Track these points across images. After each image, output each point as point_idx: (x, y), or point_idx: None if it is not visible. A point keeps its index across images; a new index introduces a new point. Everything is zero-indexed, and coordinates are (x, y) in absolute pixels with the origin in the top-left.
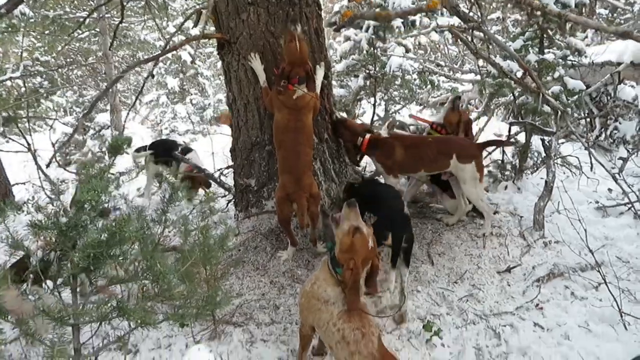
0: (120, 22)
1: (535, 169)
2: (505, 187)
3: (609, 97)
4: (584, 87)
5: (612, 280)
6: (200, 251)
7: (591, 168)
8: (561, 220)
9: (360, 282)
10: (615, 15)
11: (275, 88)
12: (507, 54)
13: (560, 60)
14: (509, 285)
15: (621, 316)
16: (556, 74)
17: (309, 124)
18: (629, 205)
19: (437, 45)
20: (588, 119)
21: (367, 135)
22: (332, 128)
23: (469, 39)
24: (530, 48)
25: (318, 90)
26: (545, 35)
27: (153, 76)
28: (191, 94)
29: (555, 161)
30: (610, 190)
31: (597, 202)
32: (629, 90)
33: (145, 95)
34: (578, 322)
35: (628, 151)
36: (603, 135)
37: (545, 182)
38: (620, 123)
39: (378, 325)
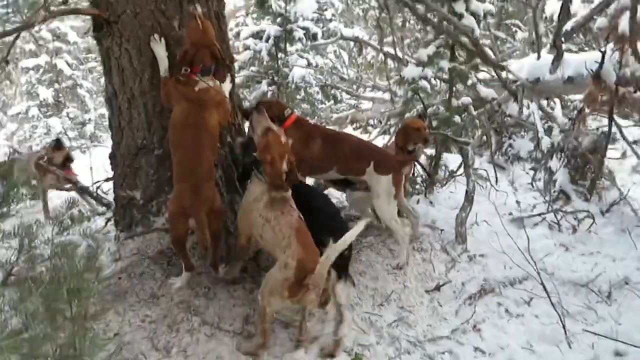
0: None
1: (445, 182)
2: (417, 201)
3: (502, 116)
4: (496, 96)
5: (542, 294)
6: (59, 280)
7: (496, 181)
8: (481, 233)
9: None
10: (498, 44)
11: (174, 76)
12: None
13: (471, 69)
14: (440, 305)
15: (565, 334)
16: (469, 82)
17: (213, 123)
18: (543, 217)
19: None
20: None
21: (295, 113)
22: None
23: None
24: (442, 55)
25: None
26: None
27: (7, 62)
28: (68, 107)
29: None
30: (518, 202)
31: (510, 213)
32: (515, 106)
33: (12, 107)
34: (520, 342)
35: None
36: (498, 153)
37: (466, 192)
38: (514, 140)
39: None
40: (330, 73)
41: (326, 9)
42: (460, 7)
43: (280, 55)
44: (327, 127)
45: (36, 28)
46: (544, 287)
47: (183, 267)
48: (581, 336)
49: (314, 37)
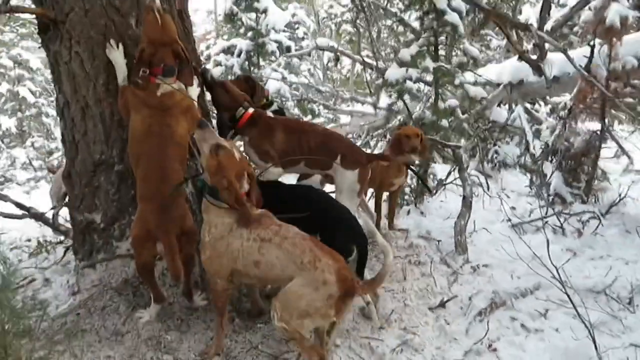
0: None
1: (435, 191)
2: (408, 212)
3: (486, 121)
4: (486, 95)
5: (558, 304)
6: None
7: (487, 188)
8: (481, 241)
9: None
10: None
11: (132, 79)
12: None
13: (457, 69)
14: (448, 324)
15: (596, 348)
16: (457, 81)
17: (180, 131)
18: (545, 220)
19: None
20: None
21: (251, 109)
22: (207, 89)
23: None
24: (425, 54)
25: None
26: (438, 43)
27: None
28: (33, 136)
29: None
30: (514, 208)
31: (509, 220)
32: (501, 112)
33: None
34: None
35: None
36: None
37: (463, 197)
38: (499, 147)
39: None
40: (306, 87)
41: (297, 27)
42: (441, 4)
43: (253, 69)
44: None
45: None
46: (568, 295)
47: (152, 298)
48: (613, 351)
49: (288, 49)
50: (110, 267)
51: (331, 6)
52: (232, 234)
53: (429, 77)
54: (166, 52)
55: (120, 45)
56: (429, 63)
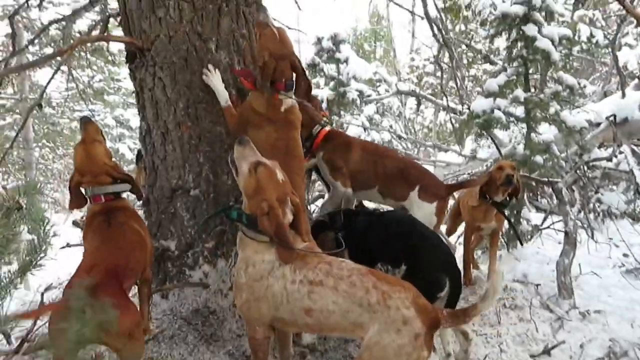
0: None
1: (530, 237)
2: (500, 257)
3: (586, 166)
4: (586, 125)
5: None
6: None
7: (592, 235)
8: (590, 285)
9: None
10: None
11: (240, 101)
12: None
13: (552, 97)
14: None
15: None
16: (551, 110)
17: (301, 146)
18: None
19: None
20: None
21: (327, 128)
22: None
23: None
24: (514, 85)
25: None
26: (530, 71)
27: (41, 107)
28: None
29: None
30: (626, 255)
31: (622, 265)
32: (606, 154)
33: None
34: None
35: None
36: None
37: (565, 233)
38: (602, 194)
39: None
40: (388, 132)
41: (379, 85)
42: (531, 30)
43: (334, 117)
44: None
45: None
46: None
47: None
48: None
49: (368, 98)
50: (182, 296)
51: (412, 59)
52: (272, 274)
53: (520, 111)
54: (285, 65)
55: (217, 71)
56: (519, 93)
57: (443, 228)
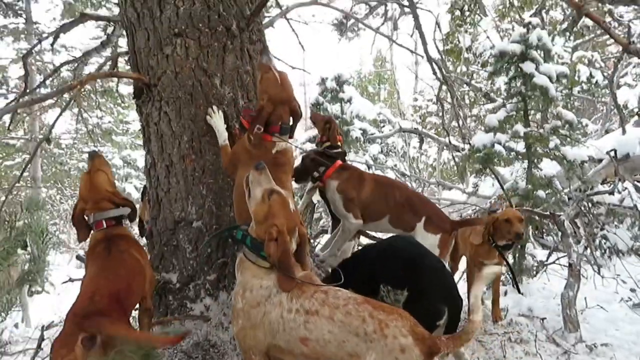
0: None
1: (535, 273)
2: (505, 293)
3: (590, 203)
4: (587, 158)
5: None
6: None
7: (598, 271)
8: (596, 319)
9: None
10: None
11: (243, 136)
12: None
13: (551, 132)
14: None
15: None
16: (551, 144)
17: (289, 187)
18: None
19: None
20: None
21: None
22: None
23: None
24: (514, 120)
25: None
26: (529, 107)
27: (49, 141)
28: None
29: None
30: (633, 290)
31: (630, 299)
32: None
33: None
34: None
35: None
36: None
37: (570, 265)
38: (607, 231)
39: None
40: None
41: (384, 125)
42: (529, 68)
43: None
44: None
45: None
46: None
47: None
48: None
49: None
50: (183, 329)
51: (415, 99)
52: (270, 300)
53: (520, 146)
54: (284, 110)
55: (220, 111)
56: (519, 128)
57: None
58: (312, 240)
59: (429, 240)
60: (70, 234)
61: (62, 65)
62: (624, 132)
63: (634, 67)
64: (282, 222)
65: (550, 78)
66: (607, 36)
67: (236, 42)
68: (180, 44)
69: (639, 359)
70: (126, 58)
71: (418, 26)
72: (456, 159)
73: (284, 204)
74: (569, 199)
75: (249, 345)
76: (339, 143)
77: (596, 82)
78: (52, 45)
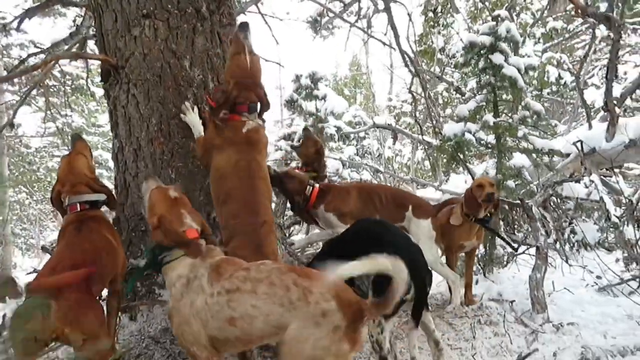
0: None
1: (506, 263)
2: (476, 282)
3: (558, 198)
4: (554, 147)
5: None
6: None
7: (567, 260)
8: (563, 301)
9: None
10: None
11: (210, 121)
12: None
13: (520, 122)
14: None
15: None
16: (520, 133)
17: (265, 166)
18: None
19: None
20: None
21: (317, 185)
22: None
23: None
24: (484, 110)
25: None
26: (498, 98)
27: (12, 126)
28: None
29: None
30: (599, 277)
31: (595, 283)
32: (578, 186)
33: None
34: None
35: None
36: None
37: (537, 248)
38: (576, 225)
39: None
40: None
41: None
42: (498, 59)
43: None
44: None
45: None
46: None
47: None
48: None
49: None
50: (151, 316)
51: (390, 99)
52: (190, 287)
53: (490, 138)
54: (250, 94)
55: (195, 108)
56: (488, 118)
57: None
58: (284, 230)
59: (423, 224)
60: (39, 237)
61: (29, 56)
62: (590, 127)
63: (600, 69)
64: (160, 208)
65: (518, 70)
66: (575, 39)
67: (206, 25)
68: (148, 25)
69: (603, 336)
70: (94, 41)
71: (390, 17)
72: (429, 155)
73: (162, 193)
74: (538, 189)
75: (190, 341)
76: (325, 173)
77: (565, 83)
78: (17, 29)
